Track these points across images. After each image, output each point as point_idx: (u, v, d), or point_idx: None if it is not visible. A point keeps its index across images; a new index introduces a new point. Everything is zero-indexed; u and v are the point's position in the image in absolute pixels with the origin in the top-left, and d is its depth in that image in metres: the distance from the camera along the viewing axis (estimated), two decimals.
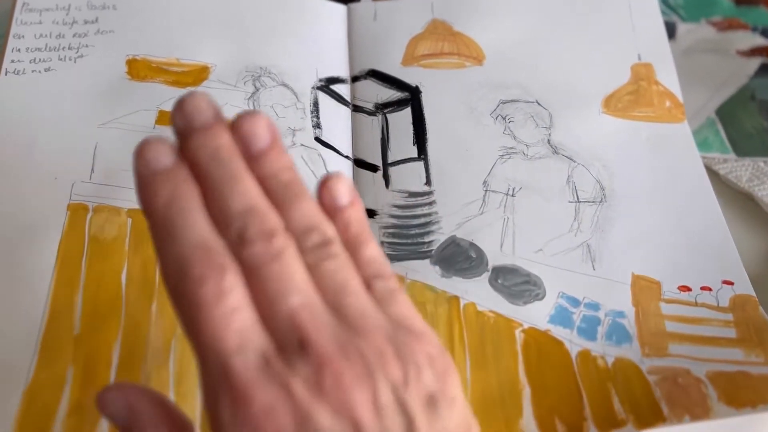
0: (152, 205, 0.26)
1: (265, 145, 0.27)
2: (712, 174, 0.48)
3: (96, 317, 0.38)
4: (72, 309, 0.38)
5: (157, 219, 0.26)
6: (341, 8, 0.54)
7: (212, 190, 0.26)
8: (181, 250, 0.24)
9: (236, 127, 0.27)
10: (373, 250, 0.29)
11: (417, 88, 0.49)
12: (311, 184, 0.43)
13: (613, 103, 0.49)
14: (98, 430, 0.34)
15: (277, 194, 0.27)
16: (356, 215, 0.29)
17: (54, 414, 0.35)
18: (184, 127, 0.27)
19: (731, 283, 0.41)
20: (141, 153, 0.26)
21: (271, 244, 0.25)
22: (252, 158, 0.27)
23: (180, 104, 0.27)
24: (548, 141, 0.47)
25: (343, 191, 0.29)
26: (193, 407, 0.36)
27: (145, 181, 0.26)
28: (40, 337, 0.37)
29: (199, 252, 0.24)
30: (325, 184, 0.29)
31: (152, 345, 0.37)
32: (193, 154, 0.26)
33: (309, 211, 0.27)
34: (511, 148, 0.47)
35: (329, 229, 0.27)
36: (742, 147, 0.51)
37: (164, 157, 0.26)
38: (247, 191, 0.26)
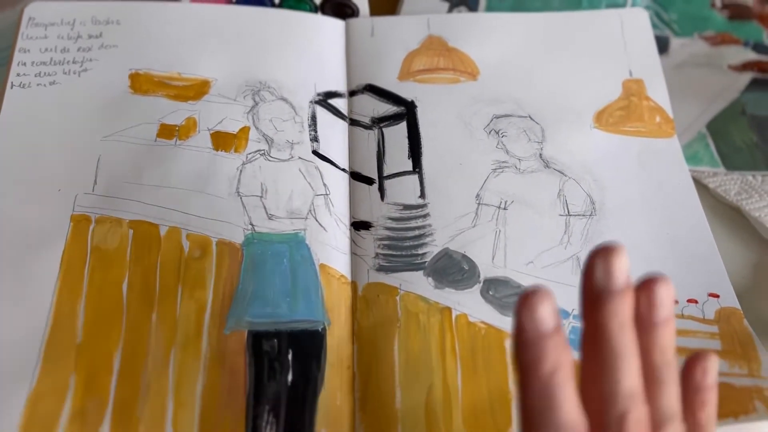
0: (536, 370, 0.26)
1: (665, 317, 0.28)
2: (702, 187, 0.49)
3: (98, 326, 0.39)
4: (74, 317, 0.39)
5: (537, 385, 0.26)
6: (339, 24, 0.55)
7: (607, 360, 0.26)
8: (556, 425, 0.25)
9: (646, 289, 0.28)
10: None
11: (412, 102, 0.50)
12: (309, 196, 0.45)
13: (604, 118, 0.50)
14: None
15: (657, 370, 0.27)
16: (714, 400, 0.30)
17: (57, 420, 0.36)
18: (603, 284, 0.27)
19: (717, 296, 0.42)
20: (531, 308, 0.26)
21: None
22: (648, 325, 0.27)
23: (603, 257, 0.27)
24: (540, 155, 0.48)
25: (712, 374, 0.30)
26: (192, 414, 0.37)
27: (532, 342, 0.26)
28: (44, 345, 0.38)
29: None
30: (699, 366, 0.30)
31: (152, 353, 0.38)
32: (603, 320, 0.27)
33: (674, 399, 0.28)
34: (503, 162, 0.48)
35: (680, 423, 0.28)
36: (732, 161, 0.51)
37: (553, 318, 0.26)
38: (634, 373, 0.26)
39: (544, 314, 0.26)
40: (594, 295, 0.27)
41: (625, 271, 0.27)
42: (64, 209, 0.43)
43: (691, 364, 0.30)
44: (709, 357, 0.30)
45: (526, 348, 0.26)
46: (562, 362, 0.26)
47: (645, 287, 0.28)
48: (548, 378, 0.26)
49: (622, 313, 0.27)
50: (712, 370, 0.30)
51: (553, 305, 0.26)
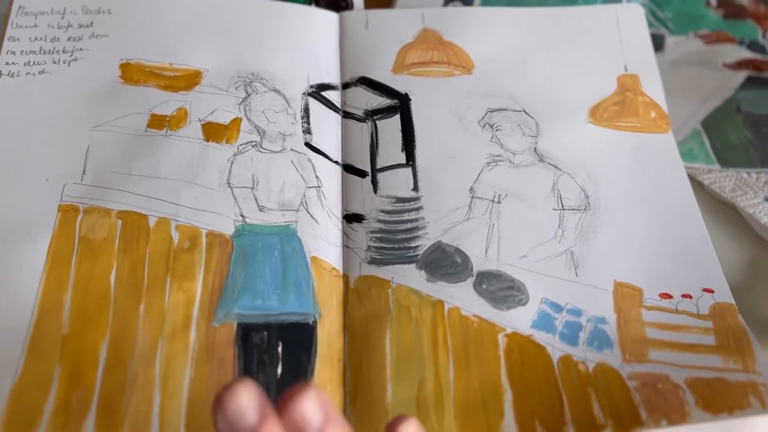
0: None
1: (319, 426, 0.26)
2: (696, 184, 0.49)
3: (84, 317, 0.38)
4: (60, 309, 0.38)
5: None
6: (334, 16, 0.54)
7: None
8: None
9: (287, 412, 0.26)
10: None
11: (406, 95, 0.50)
12: (301, 188, 0.45)
13: (599, 113, 0.50)
14: (84, 430, 0.35)
15: None
16: None
17: (40, 412, 0.35)
18: (230, 430, 0.25)
19: (712, 291, 0.42)
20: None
21: None
22: None
23: (221, 406, 0.25)
24: (534, 149, 0.48)
25: None
26: (179, 407, 0.36)
27: None
28: (29, 336, 0.37)
29: None
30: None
31: (139, 345, 0.38)
32: None
33: None
34: (497, 155, 0.47)
35: None
36: (727, 158, 0.51)
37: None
38: None
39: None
40: None
41: (249, 410, 0.25)
42: (51, 199, 0.42)
43: None
44: (401, 424, 0.28)
45: None
46: None
47: (285, 408, 0.26)
48: None
49: None
50: None
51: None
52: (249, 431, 0.25)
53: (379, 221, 0.44)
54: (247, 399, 0.25)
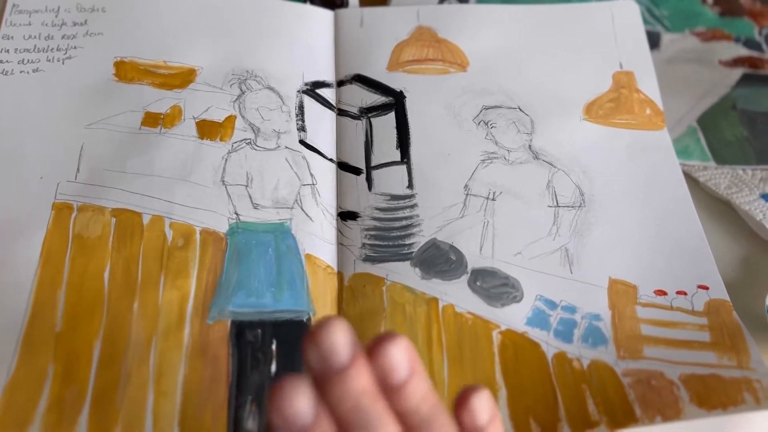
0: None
1: (405, 377, 0.26)
2: (692, 181, 0.49)
3: (78, 315, 0.38)
4: (54, 306, 0.38)
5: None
6: (328, 14, 0.54)
7: None
8: None
9: (375, 356, 0.25)
10: None
11: (401, 93, 0.50)
12: (295, 185, 0.44)
13: (594, 110, 0.50)
14: (77, 426, 0.35)
15: (422, 428, 0.26)
16: None
17: (34, 409, 0.35)
18: (322, 368, 0.25)
19: (706, 288, 0.42)
20: (277, 405, 0.24)
21: None
22: (392, 389, 0.26)
23: (314, 339, 0.25)
24: (529, 146, 0.48)
25: (481, 414, 0.27)
26: (173, 404, 0.36)
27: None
28: (22, 333, 0.37)
29: None
30: (465, 403, 0.27)
31: (133, 343, 0.38)
32: (334, 402, 0.25)
33: None
34: (492, 153, 0.47)
35: None
36: (722, 155, 0.51)
37: (304, 411, 0.24)
38: None
39: (290, 410, 0.24)
40: (317, 378, 0.25)
41: (343, 344, 0.25)
42: (45, 197, 0.42)
43: (458, 407, 0.27)
44: (473, 395, 0.27)
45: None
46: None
47: (375, 351, 0.26)
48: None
49: (350, 393, 0.25)
50: (480, 409, 0.27)
51: (307, 396, 0.25)
52: (339, 368, 0.25)
53: (374, 219, 0.44)
54: (342, 336, 0.25)
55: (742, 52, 0.59)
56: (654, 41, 0.59)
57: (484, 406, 0.27)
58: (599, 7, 0.55)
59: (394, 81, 0.50)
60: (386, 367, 0.25)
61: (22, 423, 0.35)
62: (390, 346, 0.25)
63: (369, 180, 0.46)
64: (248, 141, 0.46)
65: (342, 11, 0.55)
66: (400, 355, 0.26)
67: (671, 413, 0.36)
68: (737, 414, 0.36)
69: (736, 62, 0.58)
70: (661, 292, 0.42)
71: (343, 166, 0.47)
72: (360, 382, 0.25)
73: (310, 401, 0.25)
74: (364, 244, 0.43)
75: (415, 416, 0.26)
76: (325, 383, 0.25)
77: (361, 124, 0.49)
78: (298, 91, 0.49)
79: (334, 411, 0.25)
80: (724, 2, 0.63)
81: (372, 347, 0.26)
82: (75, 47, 0.49)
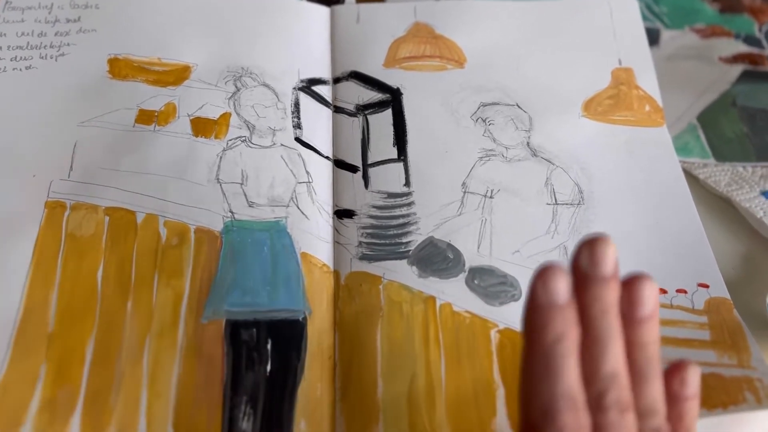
0: (541, 336, 0.27)
1: (649, 314, 0.28)
2: (692, 178, 0.49)
3: (71, 314, 0.38)
4: (47, 306, 0.38)
5: (539, 351, 0.27)
6: (324, 10, 0.54)
7: (590, 343, 0.27)
8: (554, 393, 0.26)
9: (629, 286, 0.28)
10: None
11: (398, 89, 0.49)
12: (291, 183, 0.44)
13: (593, 107, 0.49)
14: (70, 428, 0.34)
15: (640, 365, 0.28)
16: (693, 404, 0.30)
17: (25, 410, 0.35)
18: (588, 270, 0.28)
19: (707, 286, 0.42)
20: (544, 279, 0.27)
21: (623, 418, 0.27)
22: (631, 320, 0.28)
23: (590, 245, 0.28)
24: (528, 144, 0.47)
25: (692, 385, 0.30)
26: (166, 406, 0.36)
27: (541, 310, 0.27)
28: (14, 334, 0.37)
29: (569, 404, 0.26)
30: (679, 372, 0.30)
31: (127, 343, 0.37)
32: (588, 303, 0.28)
33: (657, 394, 0.28)
34: (490, 150, 0.47)
35: (664, 420, 0.28)
36: (722, 152, 0.51)
37: (565, 292, 0.27)
38: (617, 356, 0.27)
39: (558, 287, 0.27)
40: (580, 279, 0.28)
41: (610, 260, 0.28)
42: (38, 195, 0.42)
43: (670, 373, 0.30)
44: (688, 367, 0.30)
45: (535, 314, 0.27)
46: (567, 334, 0.27)
47: (629, 283, 0.29)
48: (552, 345, 0.27)
49: (604, 300, 0.28)
50: (692, 381, 0.30)
51: (567, 282, 0.27)
52: (603, 276, 0.28)
53: (371, 217, 0.44)
54: (612, 253, 0.28)
55: (742, 48, 0.59)
56: (653, 38, 0.58)
57: (696, 381, 0.29)
58: (598, 3, 0.55)
59: (391, 78, 0.50)
60: (636, 299, 0.28)
61: (13, 424, 0.34)
62: (645, 283, 0.28)
63: (365, 178, 0.46)
64: (243, 138, 0.45)
65: (338, 7, 0.54)
66: (651, 293, 0.28)
67: None
68: (738, 413, 0.35)
69: (736, 59, 0.58)
70: (661, 291, 0.41)
71: (339, 164, 0.47)
72: (613, 294, 0.28)
73: (569, 283, 0.27)
74: (360, 243, 0.43)
75: (642, 351, 0.28)
76: (585, 286, 0.28)
77: (357, 122, 0.48)
78: (294, 88, 0.49)
79: (583, 313, 0.27)
80: None
81: (628, 280, 0.29)
82: (68, 44, 0.48)
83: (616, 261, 0.28)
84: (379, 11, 0.54)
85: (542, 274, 0.27)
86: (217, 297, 0.39)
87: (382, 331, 0.39)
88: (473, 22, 0.53)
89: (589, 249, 0.28)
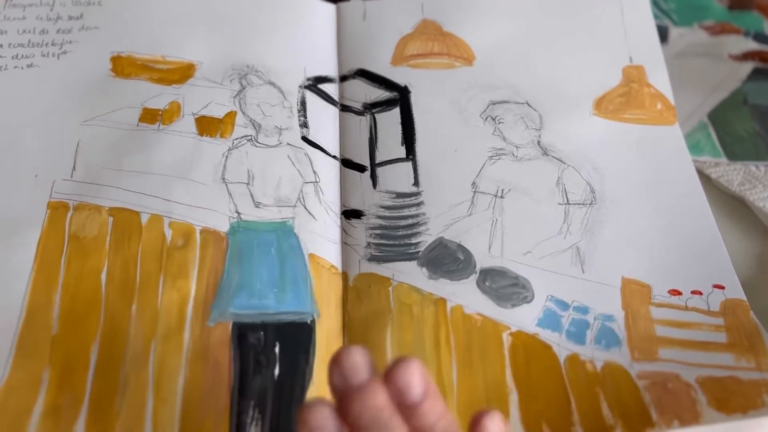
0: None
1: (419, 397, 0.28)
2: (704, 178, 0.48)
3: (74, 317, 0.37)
4: (50, 308, 0.37)
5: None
6: (330, 7, 0.53)
7: None
8: None
9: (391, 378, 0.28)
10: None
11: (406, 88, 0.49)
12: (298, 183, 0.43)
13: (604, 105, 0.49)
14: None
15: None
16: None
17: (28, 415, 0.34)
18: (343, 385, 0.28)
19: (722, 287, 0.41)
20: (303, 419, 0.28)
21: None
22: (408, 408, 0.28)
23: (338, 360, 0.29)
24: (538, 142, 0.47)
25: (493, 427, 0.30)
26: (172, 411, 0.35)
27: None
28: (16, 337, 0.36)
29: None
30: (478, 425, 0.29)
31: (132, 347, 0.37)
32: (355, 417, 0.28)
33: None
34: (500, 149, 0.46)
35: None
36: (734, 151, 0.50)
37: (327, 424, 0.27)
38: None
39: (314, 423, 0.27)
40: (342, 396, 0.28)
41: (361, 367, 0.28)
42: (40, 196, 0.41)
43: (471, 429, 0.29)
44: (486, 417, 0.29)
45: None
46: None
47: (391, 374, 0.28)
48: None
49: (371, 405, 0.27)
50: (492, 428, 0.29)
51: (328, 415, 0.28)
52: (360, 385, 0.28)
53: (379, 217, 0.43)
54: (361, 358, 0.28)
55: (752, 45, 0.58)
56: (662, 35, 0.58)
57: (497, 428, 0.29)
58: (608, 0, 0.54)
59: (399, 76, 0.49)
60: (402, 386, 0.28)
61: (16, 430, 0.33)
62: (405, 368, 0.28)
63: (373, 177, 0.45)
64: (249, 138, 0.45)
65: (344, 4, 0.53)
66: (415, 376, 0.28)
67: (689, 417, 0.35)
68: (758, 418, 0.35)
69: (746, 56, 0.57)
70: (676, 292, 0.40)
71: (346, 163, 0.46)
72: (378, 398, 0.28)
73: (332, 415, 0.28)
74: (369, 244, 0.42)
75: None
76: (347, 401, 0.28)
77: (364, 120, 0.48)
78: (300, 87, 0.48)
79: (354, 427, 0.27)
80: None
81: (388, 370, 0.28)
82: (70, 42, 0.48)
83: (369, 366, 0.28)
84: (385, 8, 0.53)
85: (300, 418, 0.27)
86: (223, 299, 0.39)
87: (391, 333, 0.38)
88: (482, 19, 0.52)
89: (337, 366, 0.28)
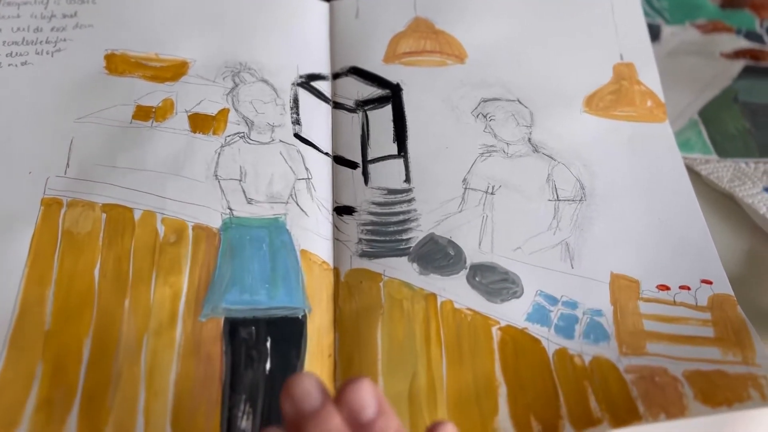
0: None
1: (373, 415, 0.29)
2: (694, 174, 0.48)
3: (67, 313, 0.37)
4: (43, 304, 0.37)
5: None
6: (323, 5, 0.53)
7: None
8: None
9: (343, 399, 0.29)
10: None
11: (398, 85, 0.49)
12: (290, 180, 0.44)
13: (594, 103, 0.49)
14: (66, 427, 0.34)
15: None
16: None
17: (21, 410, 0.34)
18: (295, 413, 0.28)
19: (710, 283, 0.41)
20: (289, 393, 0.28)
21: None
22: (362, 427, 0.28)
23: (289, 389, 0.29)
24: (529, 139, 0.47)
25: None
26: (164, 405, 0.35)
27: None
28: (10, 332, 0.36)
29: None
30: None
31: (124, 341, 0.37)
32: None
33: None
34: (491, 146, 0.46)
35: None
36: (724, 148, 0.51)
37: (312, 394, 0.28)
38: None
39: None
40: (294, 424, 0.28)
41: (313, 393, 0.28)
42: (34, 192, 0.41)
43: None
44: (439, 428, 0.30)
45: None
46: None
47: (343, 394, 0.29)
48: None
49: (326, 429, 0.28)
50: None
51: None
52: (312, 411, 0.28)
53: (371, 213, 0.43)
54: (311, 384, 0.29)
55: (743, 44, 0.58)
56: (654, 34, 0.58)
57: None
58: None
59: (391, 73, 0.50)
60: (355, 406, 0.28)
61: (9, 424, 0.34)
62: (356, 387, 0.29)
63: (365, 174, 0.45)
64: (242, 135, 0.45)
65: (337, 2, 0.54)
66: (367, 395, 0.29)
67: (675, 410, 0.35)
68: (743, 411, 0.35)
69: (738, 54, 0.57)
70: (664, 287, 0.41)
71: (338, 160, 0.46)
72: (332, 421, 0.28)
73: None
74: (360, 240, 0.42)
75: None
76: (302, 428, 0.28)
77: (357, 117, 0.48)
78: (293, 84, 0.48)
79: None
80: None
81: (340, 392, 0.29)
82: (65, 39, 0.48)
83: (320, 390, 0.29)
84: (378, 6, 0.53)
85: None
86: (215, 295, 0.39)
87: (382, 328, 0.39)
88: (474, 17, 0.53)
89: (288, 394, 0.28)
